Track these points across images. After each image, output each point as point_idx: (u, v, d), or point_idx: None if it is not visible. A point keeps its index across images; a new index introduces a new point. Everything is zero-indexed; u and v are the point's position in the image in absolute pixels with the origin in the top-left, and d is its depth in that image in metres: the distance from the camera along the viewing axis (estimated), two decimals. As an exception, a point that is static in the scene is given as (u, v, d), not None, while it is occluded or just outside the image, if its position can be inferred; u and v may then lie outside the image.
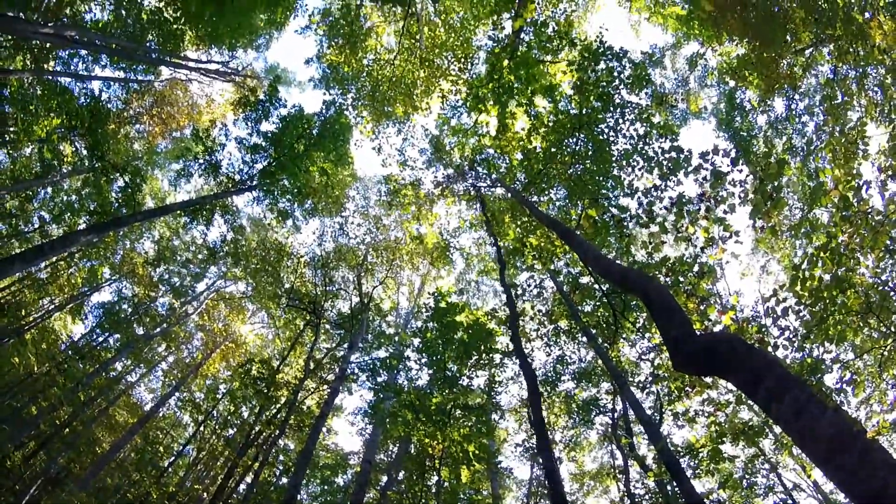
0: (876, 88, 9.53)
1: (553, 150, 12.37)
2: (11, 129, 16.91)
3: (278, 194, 17.94)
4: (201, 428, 25.15)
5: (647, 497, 18.62)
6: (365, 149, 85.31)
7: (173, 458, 25.60)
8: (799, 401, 3.40)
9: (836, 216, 5.82)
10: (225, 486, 17.37)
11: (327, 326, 22.20)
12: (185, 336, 29.83)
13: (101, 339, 26.80)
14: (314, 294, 21.25)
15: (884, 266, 6.84)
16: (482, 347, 17.32)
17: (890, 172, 6.07)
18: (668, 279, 9.19)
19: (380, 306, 24.92)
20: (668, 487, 16.90)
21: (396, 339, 23.80)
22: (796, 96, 14.67)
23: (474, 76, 16.28)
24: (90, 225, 16.05)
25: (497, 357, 18.66)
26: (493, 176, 16.65)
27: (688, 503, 9.43)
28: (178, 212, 18.10)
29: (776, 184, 5.98)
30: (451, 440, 16.78)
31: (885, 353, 7.18)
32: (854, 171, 6.26)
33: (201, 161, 17.03)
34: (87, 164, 17.41)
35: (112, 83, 21.31)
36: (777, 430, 14.89)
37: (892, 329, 6.87)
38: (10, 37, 15.34)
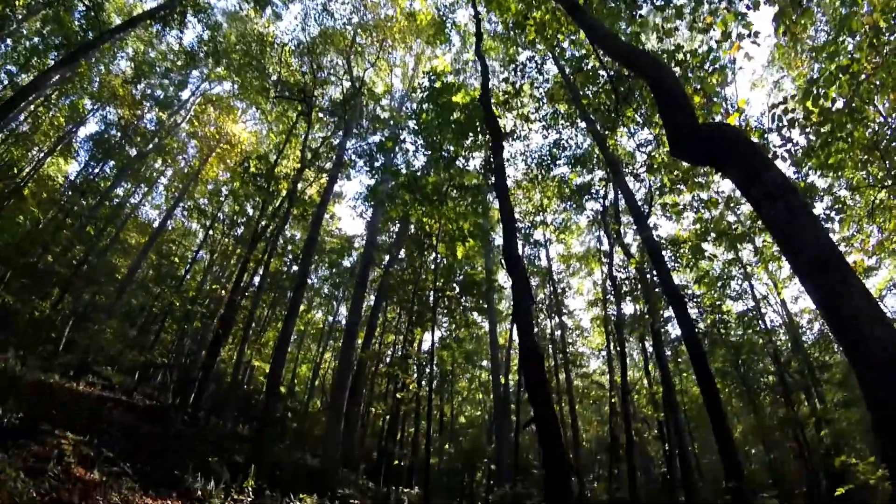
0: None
1: None
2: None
3: (253, -22, 16.17)
4: (210, 232, 26.21)
5: (627, 282, 20.07)
6: None
7: (188, 265, 27.07)
8: (793, 206, 3.37)
9: (863, 43, 5.27)
10: (240, 281, 18.52)
11: (320, 115, 21.63)
12: (179, 146, 29.42)
13: (96, 170, 26.63)
14: (303, 83, 20.28)
15: None
16: (479, 128, 17.09)
17: None
18: (677, 69, 8.71)
19: (373, 90, 23.97)
20: (648, 276, 18.13)
21: (391, 122, 23.37)
22: None
23: None
24: (58, 60, 14.72)
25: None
26: (499, -61, 14.70)
27: (665, 292, 10.16)
28: (147, 21, 16.52)
29: (808, -10, 5.33)
30: (447, 219, 17.44)
31: (879, 198, 7.07)
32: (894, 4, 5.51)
33: (166, -43, 15.11)
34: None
35: None
36: (758, 241, 15.34)
37: (891, 178, 6.69)
38: None
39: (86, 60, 19.57)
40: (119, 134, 25.98)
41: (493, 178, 21.60)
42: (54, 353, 18.51)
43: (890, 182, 7.01)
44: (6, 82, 20.50)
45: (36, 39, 19.89)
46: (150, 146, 26.74)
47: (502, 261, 30.37)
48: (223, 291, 23.88)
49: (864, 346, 2.75)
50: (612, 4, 10.56)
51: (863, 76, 5.47)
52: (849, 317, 2.94)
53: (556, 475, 6.37)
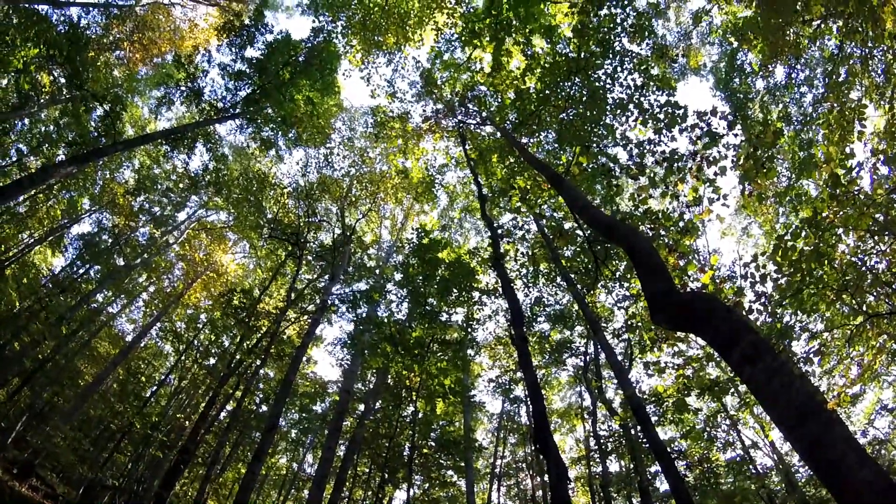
0: (880, 71, 9.36)
1: (547, 92, 12.09)
2: (-13, 59, 16.16)
3: (262, 123, 17.59)
4: (183, 357, 25.46)
5: (611, 439, 19.51)
6: (353, 79, 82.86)
7: (155, 387, 26.04)
8: (771, 367, 3.50)
9: (823, 192, 5.85)
10: (207, 413, 17.71)
11: (309, 258, 22.19)
12: (166, 266, 29.72)
13: (81, 271, 26.59)
14: (296, 225, 21.08)
15: (863, 246, 6.97)
16: (462, 285, 17.48)
17: (882, 156, 6.08)
18: (650, 231, 9.27)
19: (362, 239, 24.89)
20: (633, 432, 17.71)
21: (378, 272, 23.92)
22: (798, 66, 14.39)
23: (471, 9, 15.63)
24: (69, 156, 15.67)
25: (476, 295, 18.90)
26: (484, 114, 16.33)
27: (651, 448, 9.87)
28: (159, 140, 17.73)
29: (769, 152, 5.97)
30: (427, 373, 17.18)
31: (854, 330, 7.40)
32: (847, 151, 6.24)
33: (183, 88, 16.64)
34: (65, 93, 16.88)
35: (91, 9, 20.22)
36: (741, 388, 15.46)
37: (865, 308, 7.06)
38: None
39: (94, 163, 20.25)
40: (110, 241, 26.08)
41: (475, 332, 21.93)
42: (2, 446, 17.05)
43: (861, 318, 7.24)
44: (14, 158, 21.02)
45: (52, 128, 20.61)
46: (139, 260, 26.81)
47: (481, 417, 29.71)
48: (187, 422, 22.64)
49: (851, 491, 2.74)
50: (590, 171, 11.50)
51: (825, 223, 5.93)
52: (833, 462, 2.95)
53: None
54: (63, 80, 15.79)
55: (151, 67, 25.92)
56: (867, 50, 9.14)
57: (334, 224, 23.30)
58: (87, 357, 26.11)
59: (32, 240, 24.83)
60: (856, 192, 5.83)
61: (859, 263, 6.73)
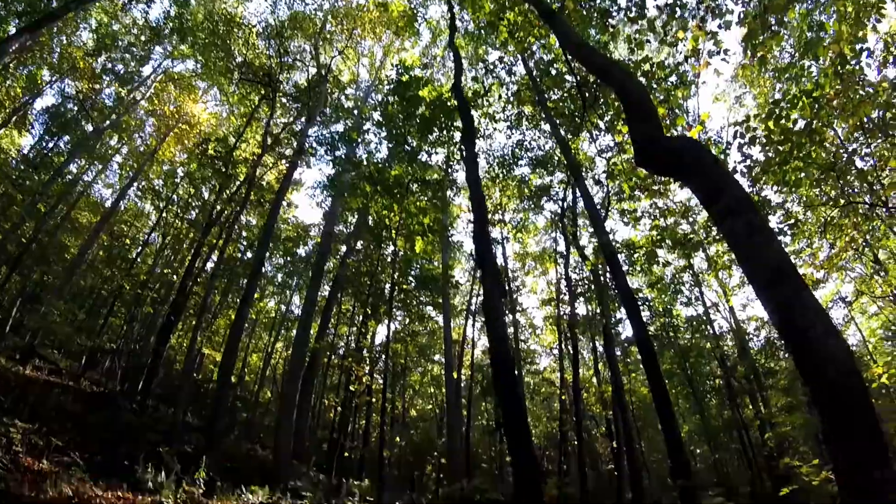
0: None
1: (544, -81, 10.85)
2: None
3: (224, -44, 15.75)
4: (164, 214, 25.43)
5: (581, 283, 20.48)
6: None
7: (140, 248, 26.31)
8: (753, 223, 3.54)
9: (828, 69, 5.61)
10: (193, 266, 18.01)
11: (284, 100, 21.23)
12: (137, 124, 28.09)
13: (51, 145, 25.64)
14: (268, 66, 19.88)
15: (856, 136, 6.82)
16: (443, 124, 17.11)
17: (893, 57, 5.76)
18: (643, 80, 8.97)
19: (338, 78, 23.66)
20: (602, 278, 18.57)
21: (356, 112, 23.14)
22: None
23: None
24: (20, 27, 14.05)
25: (457, 135, 18.62)
26: (473, -60, 14.75)
27: (619, 294, 10.45)
28: None
29: (779, 17, 5.60)
30: (407, 212, 17.42)
31: (830, 218, 7.49)
32: (859, 35, 5.86)
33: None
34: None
35: None
36: (710, 251, 15.92)
37: (845, 197, 7.11)
38: None
39: (48, 30, 18.60)
40: (76, 108, 24.76)
41: (456, 174, 21.97)
42: (1, 336, 17.71)
43: (843, 202, 7.43)
44: (-38, 47, 19.32)
45: (-2, 3, 18.81)
46: (108, 122, 25.55)
47: (459, 257, 30.83)
48: (175, 276, 23.22)
49: (815, 357, 2.91)
50: (585, 13, 10.75)
51: (825, 100, 5.83)
52: (802, 329, 3.07)
53: (528, 477, 6.55)
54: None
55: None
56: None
57: (308, 63, 21.99)
58: (69, 230, 25.83)
59: (-5, 125, 23.28)
60: (860, 80, 5.65)
61: (848, 152, 6.69)
